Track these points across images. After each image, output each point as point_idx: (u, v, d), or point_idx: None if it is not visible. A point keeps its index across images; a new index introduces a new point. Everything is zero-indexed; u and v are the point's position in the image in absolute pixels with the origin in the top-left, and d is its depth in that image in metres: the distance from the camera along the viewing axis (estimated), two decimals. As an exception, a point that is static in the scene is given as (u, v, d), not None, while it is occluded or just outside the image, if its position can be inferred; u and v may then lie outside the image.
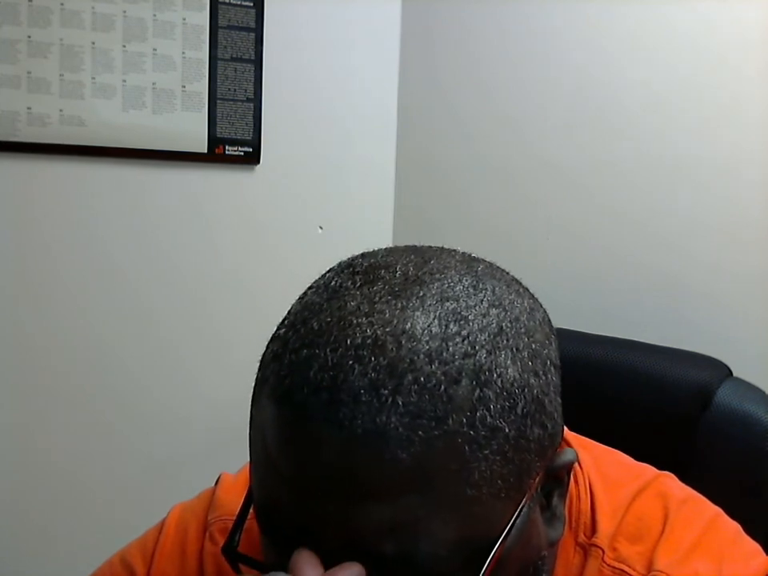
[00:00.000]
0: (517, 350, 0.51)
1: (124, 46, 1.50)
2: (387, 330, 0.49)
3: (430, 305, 0.50)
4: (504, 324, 0.51)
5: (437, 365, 0.48)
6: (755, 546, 0.64)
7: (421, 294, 0.51)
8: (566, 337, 1.12)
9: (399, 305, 0.50)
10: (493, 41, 1.62)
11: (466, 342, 0.49)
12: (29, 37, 1.43)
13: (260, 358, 0.53)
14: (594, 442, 0.70)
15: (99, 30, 1.48)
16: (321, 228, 1.71)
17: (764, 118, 1.28)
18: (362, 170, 1.75)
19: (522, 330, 0.52)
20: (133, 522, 0.78)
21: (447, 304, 0.50)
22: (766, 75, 1.28)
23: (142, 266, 1.57)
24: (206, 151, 1.58)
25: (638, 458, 0.71)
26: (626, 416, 1.04)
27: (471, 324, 0.50)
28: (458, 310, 0.50)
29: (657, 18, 1.38)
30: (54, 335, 1.52)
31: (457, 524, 0.49)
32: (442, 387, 0.48)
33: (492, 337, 0.50)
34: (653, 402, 1.03)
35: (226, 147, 1.60)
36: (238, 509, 0.56)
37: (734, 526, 0.65)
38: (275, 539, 0.52)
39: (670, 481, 0.68)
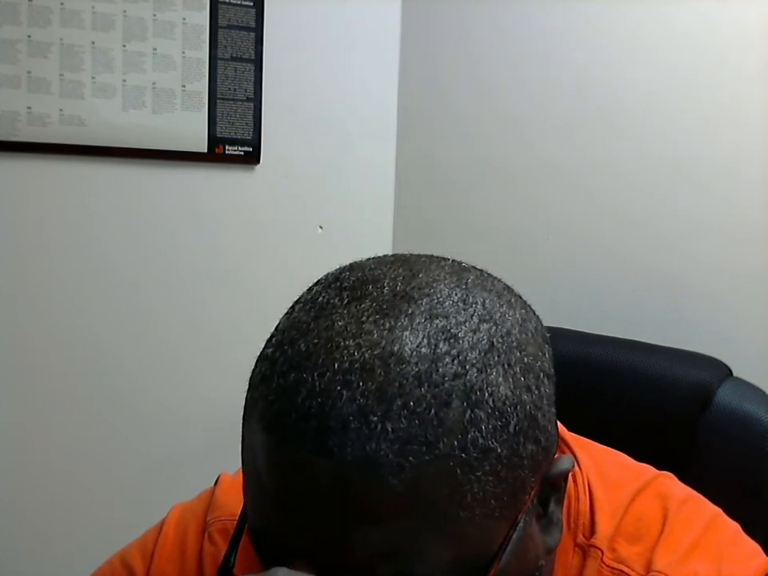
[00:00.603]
0: (509, 365, 0.50)
1: (124, 46, 1.50)
2: (375, 352, 0.48)
3: (418, 323, 0.49)
4: (495, 339, 0.50)
5: (426, 387, 0.47)
6: (755, 547, 0.64)
7: (409, 311, 0.50)
8: (565, 337, 1.12)
9: (387, 324, 0.49)
10: (493, 41, 1.61)
11: (456, 361, 0.48)
12: (29, 37, 1.43)
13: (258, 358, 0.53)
14: (594, 443, 0.70)
15: (99, 29, 1.48)
16: (321, 228, 1.71)
17: (764, 118, 1.28)
18: (361, 170, 1.74)
19: (514, 343, 0.51)
20: (131, 522, 0.78)
21: (436, 322, 0.50)
22: (766, 75, 1.28)
23: (141, 266, 1.57)
24: (206, 151, 1.58)
25: (638, 458, 0.70)
26: (626, 416, 1.04)
27: (461, 342, 0.49)
28: (448, 328, 0.49)
29: (657, 18, 1.38)
30: (53, 335, 1.52)
31: (451, 546, 0.49)
32: (432, 411, 0.47)
33: (483, 354, 0.49)
34: (653, 401, 1.03)
35: (226, 147, 1.60)
36: (238, 510, 0.55)
37: (734, 527, 0.65)
38: (268, 562, 0.52)
39: (669, 481, 0.67)
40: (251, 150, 1.62)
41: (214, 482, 0.73)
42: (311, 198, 1.70)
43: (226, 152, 1.60)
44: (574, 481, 0.63)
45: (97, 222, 1.53)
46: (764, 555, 0.63)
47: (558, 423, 0.58)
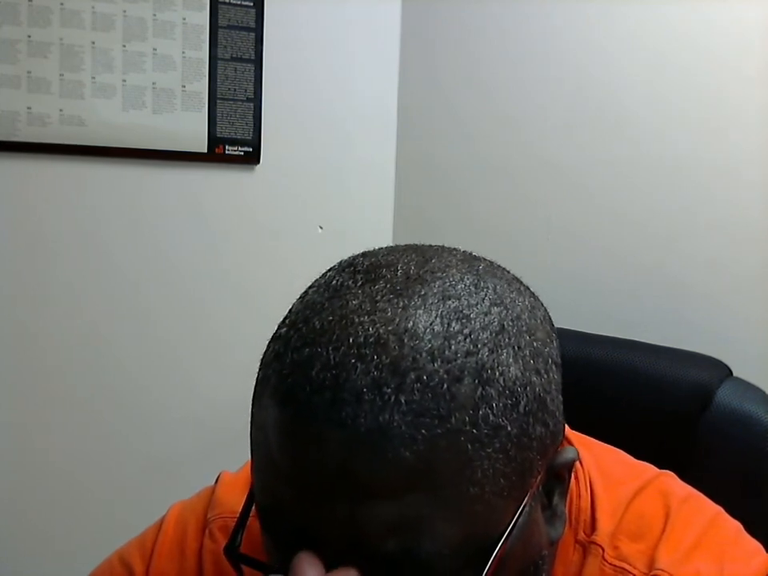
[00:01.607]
0: (518, 348, 0.51)
1: (124, 46, 1.50)
2: (389, 328, 0.48)
3: (431, 303, 0.50)
4: (506, 322, 0.51)
5: (439, 363, 0.48)
6: (756, 545, 0.64)
7: (422, 292, 0.51)
8: (565, 337, 1.11)
9: (401, 303, 0.50)
10: (493, 41, 1.61)
11: (468, 340, 0.49)
12: (29, 37, 1.43)
13: (260, 357, 0.53)
14: (596, 441, 0.70)
15: (99, 29, 1.48)
16: (321, 228, 1.71)
17: (764, 118, 1.28)
18: (362, 170, 1.74)
19: (524, 328, 0.52)
20: (131, 522, 0.78)
21: (449, 302, 0.50)
22: (766, 75, 1.28)
23: (141, 266, 1.57)
24: (206, 151, 1.58)
25: (638, 457, 0.71)
26: (626, 416, 1.04)
27: (473, 322, 0.50)
28: (460, 309, 0.50)
29: (657, 18, 1.38)
30: (54, 335, 1.52)
31: (460, 522, 0.49)
32: (445, 385, 0.47)
33: (494, 335, 0.50)
34: (653, 401, 1.02)
35: (226, 147, 1.60)
36: (239, 508, 0.55)
37: (735, 525, 0.65)
38: (277, 539, 0.52)
39: (670, 480, 0.68)
40: (251, 149, 1.62)
41: (214, 481, 0.73)
42: (311, 198, 1.70)
43: (226, 152, 1.60)
44: (576, 478, 0.63)
45: (97, 222, 1.53)
46: (765, 554, 0.63)
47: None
